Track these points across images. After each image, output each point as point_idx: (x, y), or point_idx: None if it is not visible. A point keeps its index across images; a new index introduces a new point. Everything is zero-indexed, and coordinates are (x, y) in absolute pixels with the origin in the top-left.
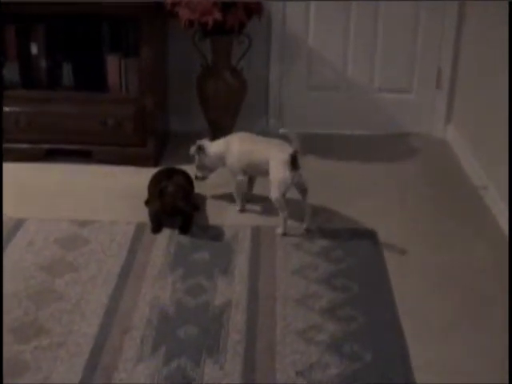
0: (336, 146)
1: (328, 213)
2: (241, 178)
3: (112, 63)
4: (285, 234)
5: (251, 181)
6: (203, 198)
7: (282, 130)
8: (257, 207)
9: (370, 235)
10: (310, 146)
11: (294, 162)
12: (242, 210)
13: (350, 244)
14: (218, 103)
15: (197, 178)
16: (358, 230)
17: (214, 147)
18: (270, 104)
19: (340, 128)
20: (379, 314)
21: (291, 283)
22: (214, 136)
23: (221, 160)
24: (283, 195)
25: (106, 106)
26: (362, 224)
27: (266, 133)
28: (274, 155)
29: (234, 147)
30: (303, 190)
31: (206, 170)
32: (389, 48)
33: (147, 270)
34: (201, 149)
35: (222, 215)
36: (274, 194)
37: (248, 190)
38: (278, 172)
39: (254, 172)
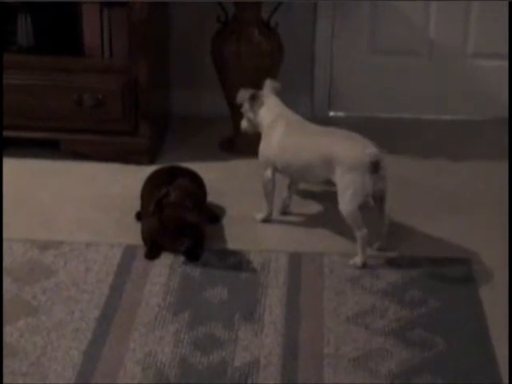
0: (413, 136)
1: (399, 233)
2: (269, 175)
3: (90, 14)
4: (364, 266)
5: (292, 185)
6: (220, 210)
7: (333, 113)
8: (296, 224)
9: (460, 266)
10: (374, 136)
11: (376, 161)
12: (266, 221)
13: (432, 279)
14: (242, 74)
15: (241, 129)
16: (444, 259)
17: (266, 106)
18: (317, 76)
19: (418, 110)
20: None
21: (346, 335)
22: (236, 121)
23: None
24: (359, 207)
25: (80, 76)
26: (450, 250)
27: (309, 117)
28: (344, 153)
29: (274, 132)
30: (381, 198)
31: (253, 124)
32: None
33: (138, 314)
34: (255, 98)
35: (246, 235)
36: (347, 207)
37: (286, 198)
38: (354, 176)
39: (297, 175)
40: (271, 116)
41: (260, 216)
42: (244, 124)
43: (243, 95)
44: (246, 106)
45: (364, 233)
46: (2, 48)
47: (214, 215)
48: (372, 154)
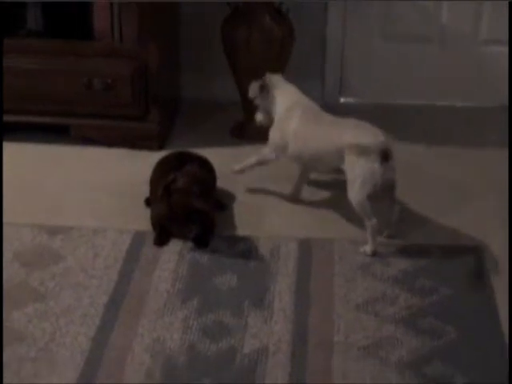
0: (425, 123)
1: (410, 221)
2: (273, 157)
3: None
4: (374, 254)
5: (303, 175)
6: (230, 196)
7: (343, 100)
8: (306, 211)
9: (471, 254)
10: (385, 123)
11: (385, 151)
12: (239, 172)
13: (443, 267)
14: (253, 60)
15: (256, 122)
16: (454, 247)
17: (282, 93)
18: (328, 61)
19: (430, 97)
20: (487, 372)
21: (355, 323)
22: (247, 107)
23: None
24: (369, 197)
25: (90, 61)
26: (460, 238)
27: (320, 103)
28: (354, 142)
29: (290, 120)
30: (390, 188)
31: (268, 115)
32: None
33: (147, 301)
34: (264, 87)
35: (256, 222)
36: (356, 196)
37: (297, 187)
38: (362, 165)
39: (309, 164)
40: (288, 103)
41: (237, 167)
42: (259, 117)
43: (254, 87)
44: (258, 98)
45: (373, 222)
46: (2, 33)
47: (221, 203)
48: (382, 143)
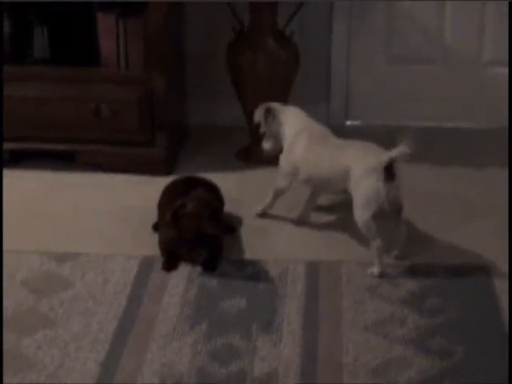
0: (430, 144)
1: (417, 241)
2: (287, 184)
3: (105, 26)
4: (382, 276)
5: (312, 198)
6: (237, 220)
7: (349, 122)
8: (313, 233)
9: (479, 274)
10: (391, 145)
11: (389, 170)
12: (262, 215)
13: (451, 287)
14: (258, 84)
15: (264, 151)
16: (463, 267)
17: (288, 119)
18: (333, 84)
19: (434, 118)
20: None
21: (364, 344)
22: (253, 131)
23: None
24: (374, 217)
25: (97, 87)
26: (468, 258)
27: (326, 126)
28: (358, 162)
29: (298, 145)
30: (397, 208)
31: (276, 141)
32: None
33: (156, 326)
34: (270, 112)
35: (263, 245)
36: (361, 216)
37: (305, 209)
38: (366, 184)
39: (318, 186)
40: (296, 127)
41: (257, 209)
42: (266, 146)
43: (259, 112)
44: (264, 125)
45: (379, 243)
46: (2, 58)
47: (231, 226)
48: (386, 163)
